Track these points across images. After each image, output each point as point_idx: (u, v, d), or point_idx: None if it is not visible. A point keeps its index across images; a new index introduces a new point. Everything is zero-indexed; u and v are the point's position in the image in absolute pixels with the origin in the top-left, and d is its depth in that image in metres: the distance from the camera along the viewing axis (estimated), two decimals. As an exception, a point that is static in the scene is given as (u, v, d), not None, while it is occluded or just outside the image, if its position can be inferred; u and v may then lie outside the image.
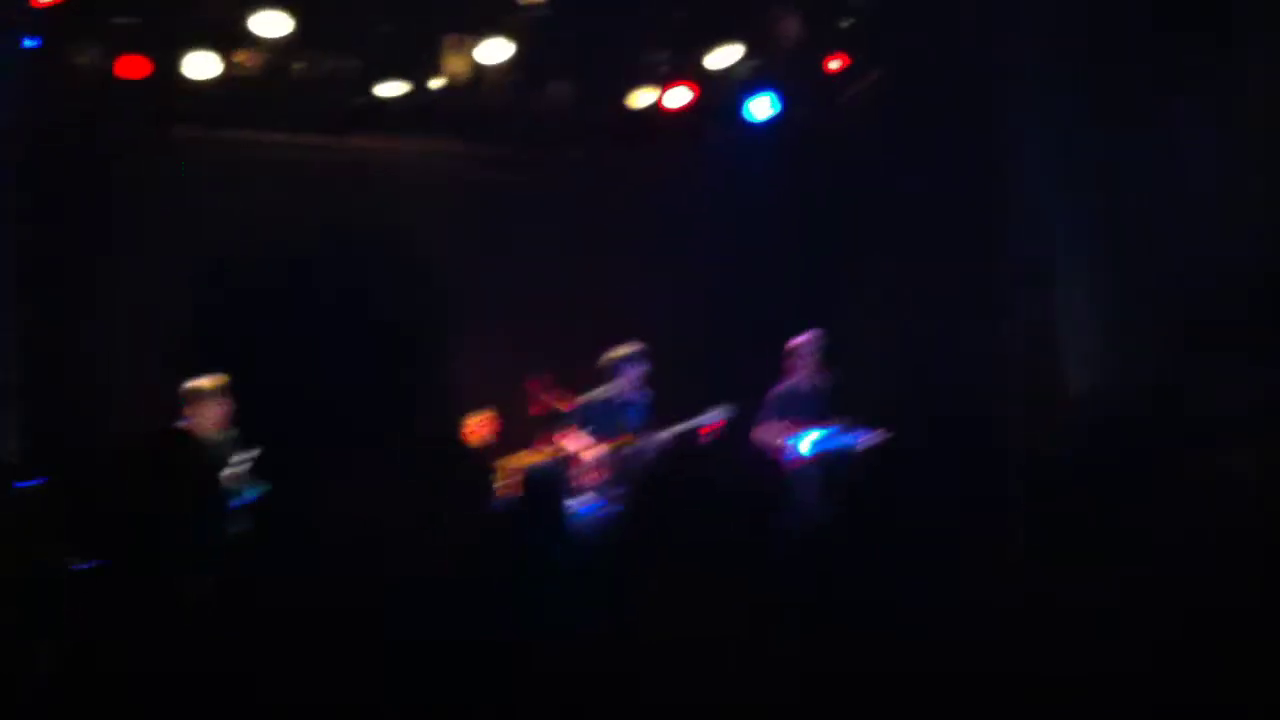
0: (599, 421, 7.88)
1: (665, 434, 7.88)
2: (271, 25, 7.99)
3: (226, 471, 6.84)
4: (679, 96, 9.19)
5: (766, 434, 7.99)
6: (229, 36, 8.12)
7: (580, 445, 7.86)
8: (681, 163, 9.78)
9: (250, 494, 6.48)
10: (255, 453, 6.64)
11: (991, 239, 7.63)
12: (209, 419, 6.77)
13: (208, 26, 8.09)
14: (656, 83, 9.17)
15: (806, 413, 7.95)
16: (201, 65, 8.16)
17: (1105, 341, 6.78)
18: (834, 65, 9.08)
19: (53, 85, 7.60)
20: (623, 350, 7.95)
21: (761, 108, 9.36)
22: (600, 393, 7.95)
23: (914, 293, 8.61)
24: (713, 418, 7.92)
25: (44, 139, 7.27)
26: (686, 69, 9.09)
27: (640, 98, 9.23)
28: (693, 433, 7.90)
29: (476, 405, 8.52)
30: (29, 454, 6.23)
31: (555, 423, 8.23)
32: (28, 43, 6.94)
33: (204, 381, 6.84)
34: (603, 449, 7.80)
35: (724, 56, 8.95)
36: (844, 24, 8.78)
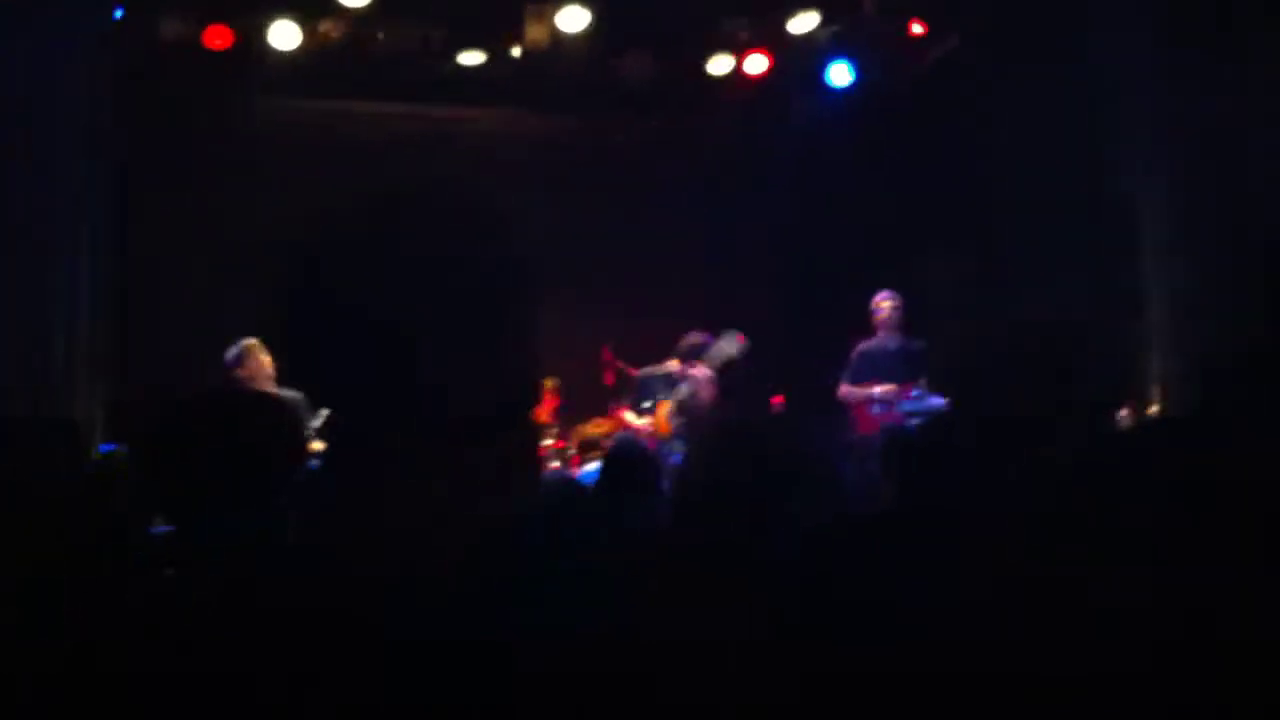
0: (656, 395, 7.94)
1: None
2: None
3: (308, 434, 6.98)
4: (757, 63, 9.14)
5: (851, 392, 7.91)
6: (313, 6, 8.23)
7: (634, 418, 7.97)
8: (762, 130, 9.74)
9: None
10: (325, 414, 6.75)
11: (1080, 205, 7.53)
12: (263, 377, 6.84)
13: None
14: (736, 50, 9.13)
15: (890, 372, 7.82)
16: (285, 35, 8.27)
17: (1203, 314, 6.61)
18: (916, 30, 8.97)
19: (140, 55, 7.74)
20: (724, 342, 8.04)
21: (841, 74, 9.27)
22: (663, 368, 8.01)
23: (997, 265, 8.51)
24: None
25: (131, 107, 7.40)
26: (766, 36, 9.03)
27: (718, 64, 9.19)
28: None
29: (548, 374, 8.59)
30: (109, 419, 6.39)
31: (625, 393, 8.31)
32: (115, 13, 7.07)
33: (247, 342, 6.90)
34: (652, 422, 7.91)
35: (803, 23, 8.88)
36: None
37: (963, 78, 8.82)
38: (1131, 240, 6.96)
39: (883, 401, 7.77)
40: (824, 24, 8.92)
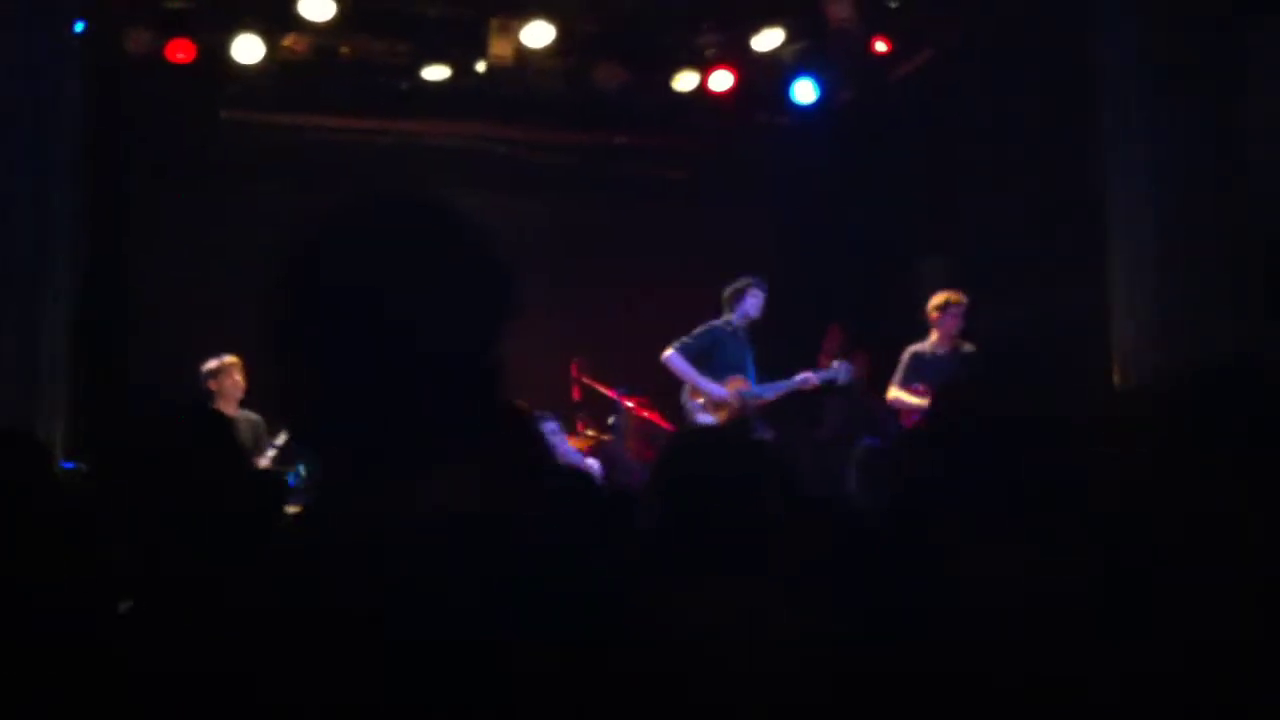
0: (722, 353, 7.78)
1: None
2: (318, 9, 8.03)
3: (266, 456, 6.96)
4: (722, 80, 9.17)
5: (900, 399, 7.62)
6: (277, 20, 8.20)
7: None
8: (728, 146, 9.78)
9: (289, 478, 6.60)
10: (284, 437, 6.77)
11: (1050, 214, 7.60)
12: (234, 397, 6.90)
13: (255, 10, 8.18)
14: (701, 66, 9.16)
15: (940, 377, 7.38)
16: (249, 49, 8.24)
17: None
18: (880, 47, 9.03)
19: (102, 68, 7.68)
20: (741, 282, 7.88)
21: (806, 91, 9.31)
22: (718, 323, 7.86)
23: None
24: (842, 372, 7.78)
25: (94, 121, 7.35)
26: (731, 52, 9.06)
27: (684, 80, 9.21)
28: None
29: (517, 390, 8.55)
30: (74, 437, 6.33)
31: (593, 407, 8.28)
32: (77, 26, 7.01)
33: (220, 361, 6.95)
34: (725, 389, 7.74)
35: (768, 39, 8.92)
36: (892, 4, 8.71)
37: (937, 91, 8.87)
38: (1102, 251, 6.99)
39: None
40: (789, 41, 8.96)
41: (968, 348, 7.59)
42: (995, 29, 8.13)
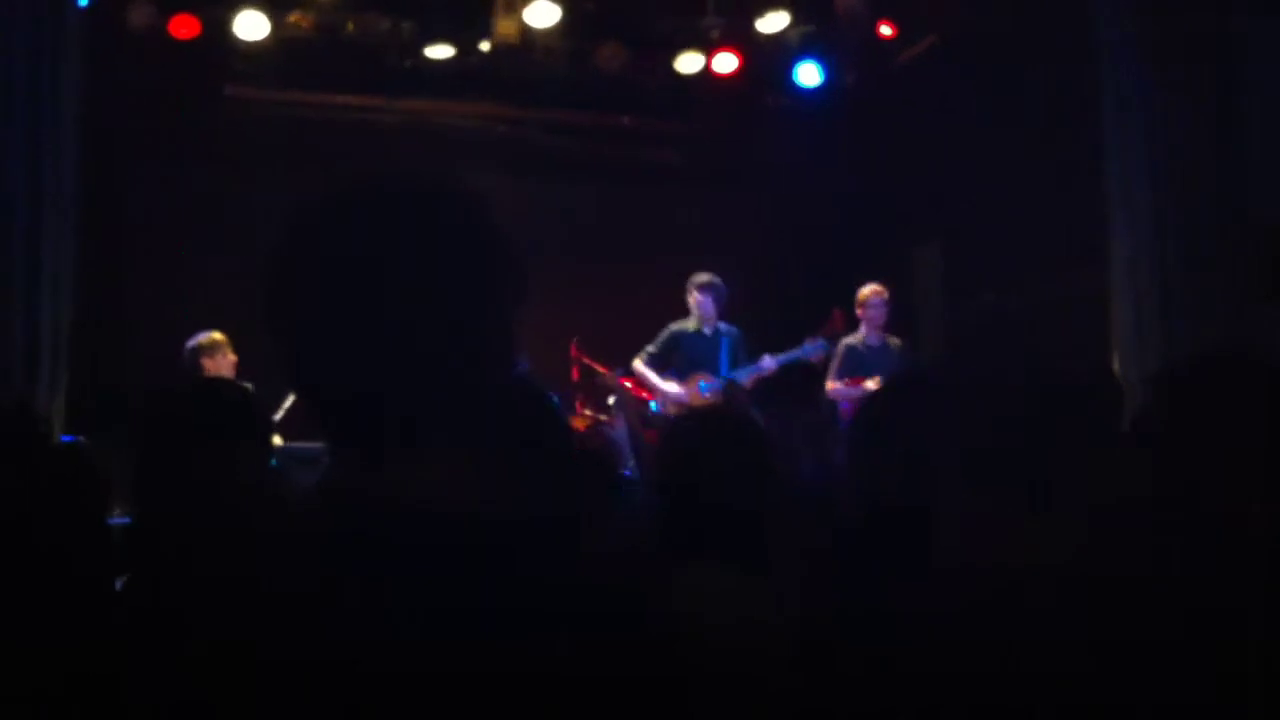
0: (685, 352, 7.88)
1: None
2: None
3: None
4: (727, 62, 9.15)
5: (838, 389, 7.85)
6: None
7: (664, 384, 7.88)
8: (732, 128, 9.76)
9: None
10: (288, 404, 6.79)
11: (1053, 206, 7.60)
12: (225, 373, 6.86)
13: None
14: (706, 48, 9.14)
15: (876, 369, 7.71)
16: (253, 25, 8.22)
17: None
18: (885, 32, 9.01)
19: (104, 44, 7.66)
20: (700, 278, 7.91)
21: (810, 75, 9.29)
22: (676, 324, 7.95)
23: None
24: (813, 350, 7.84)
25: (98, 97, 7.33)
26: (736, 34, 9.04)
27: (688, 62, 9.19)
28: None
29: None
30: (73, 410, 6.34)
31: (593, 388, 8.28)
32: (80, 2, 6.98)
33: (210, 336, 6.91)
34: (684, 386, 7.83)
35: (773, 22, 8.89)
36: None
37: (940, 76, 8.85)
38: (1103, 238, 6.98)
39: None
40: (794, 24, 8.94)
41: (895, 341, 7.94)
42: (998, 15, 8.11)
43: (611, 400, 8.21)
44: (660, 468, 2.38)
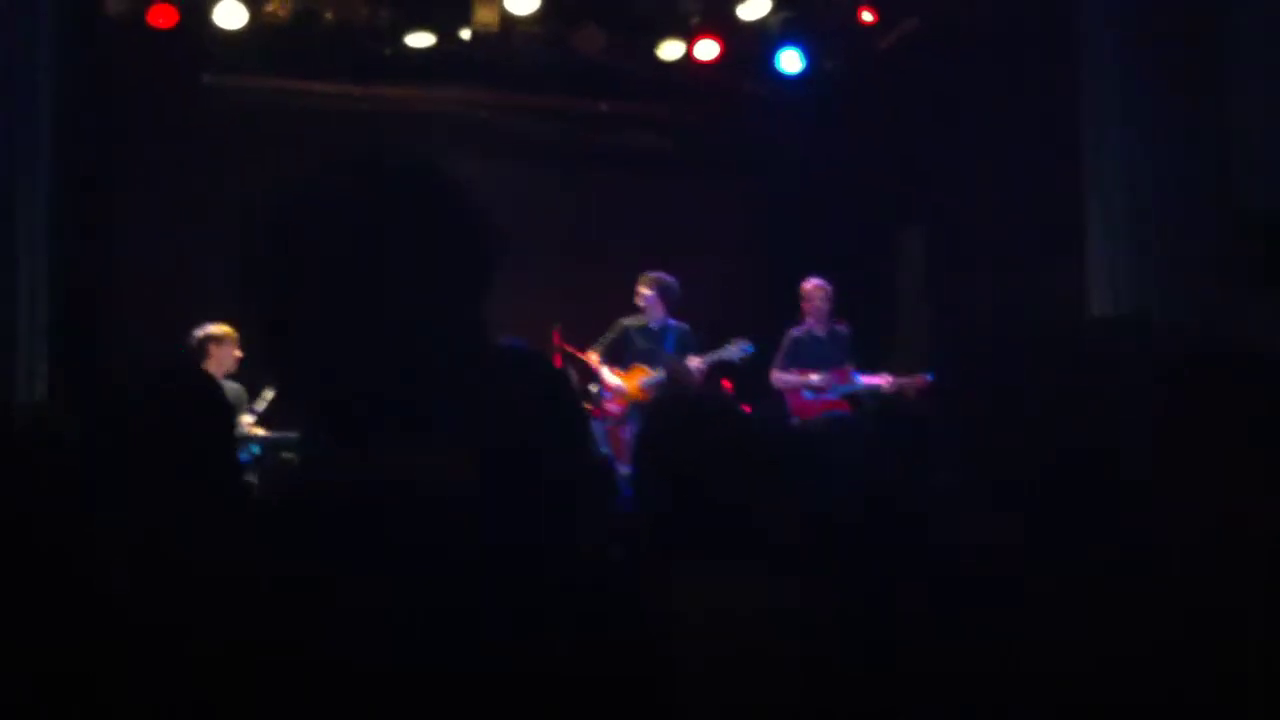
0: (630, 346, 8.04)
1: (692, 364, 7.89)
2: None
3: (244, 421, 6.96)
4: (708, 49, 9.14)
5: (783, 378, 8.03)
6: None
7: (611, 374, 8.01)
8: (713, 114, 9.76)
9: (254, 448, 6.66)
10: (268, 399, 6.79)
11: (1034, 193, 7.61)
12: (224, 367, 6.87)
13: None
14: (686, 35, 9.12)
15: (822, 359, 7.96)
16: (231, 14, 8.18)
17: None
18: (866, 17, 9.00)
19: (82, 33, 7.62)
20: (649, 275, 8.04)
21: (791, 61, 9.28)
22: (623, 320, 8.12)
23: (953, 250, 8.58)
24: (737, 351, 7.94)
25: (75, 86, 7.29)
26: (718, 20, 9.02)
27: (669, 49, 9.18)
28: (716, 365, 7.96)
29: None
30: (54, 397, 6.31)
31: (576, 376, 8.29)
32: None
33: (217, 328, 6.92)
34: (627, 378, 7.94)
35: (754, 8, 8.87)
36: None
37: (922, 61, 8.84)
38: (1080, 228, 6.98)
39: (817, 389, 7.88)
40: (775, 10, 8.93)
41: (841, 328, 8.08)
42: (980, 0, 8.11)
43: (594, 388, 8.22)
44: (641, 453, 2.37)
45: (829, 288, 8.08)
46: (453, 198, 1.26)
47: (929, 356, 7.70)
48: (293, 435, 6.63)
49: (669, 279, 8.02)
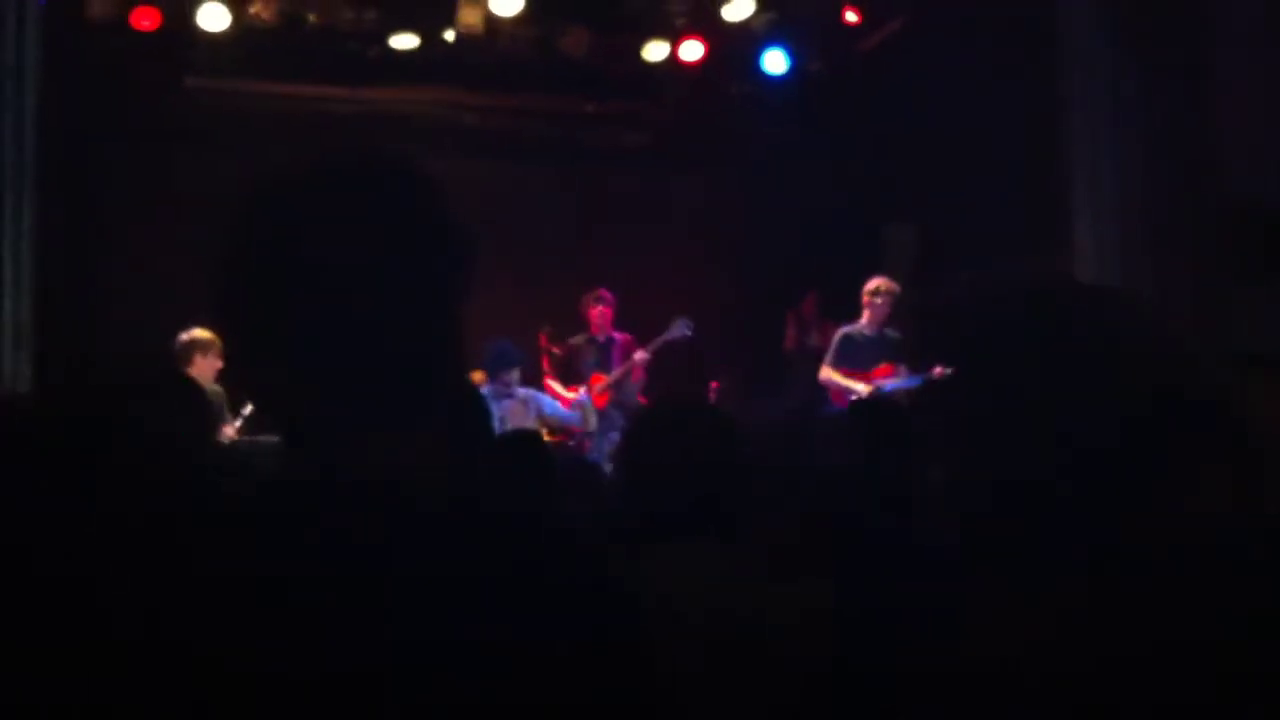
0: (582, 362, 8.27)
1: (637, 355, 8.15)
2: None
3: (232, 427, 6.94)
4: (693, 50, 9.14)
5: (832, 380, 7.86)
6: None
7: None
8: (698, 115, 9.77)
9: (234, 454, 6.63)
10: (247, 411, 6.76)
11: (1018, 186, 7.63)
12: (207, 372, 6.82)
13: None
14: (671, 35, 9.12)
15: (872, 360, 7.81)
16: (214, 17, 8.16)
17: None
18: (850, 18, 9.01)
19: (65, 35, 7.59)
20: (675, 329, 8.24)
21: (776, 62, 9.29)
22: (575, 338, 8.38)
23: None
24: (678, 330, 8.12)
25: (58, 88, 7.26)
26: (702, 21, 9.03)
27: (654, 50, 9.19)
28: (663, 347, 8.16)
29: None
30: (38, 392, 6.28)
31: (560, 376, 8.29)
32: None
33: (203, 333, 6.88)
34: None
35: (739, 9, 8.88)
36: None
37: (907, 61, 8.85)
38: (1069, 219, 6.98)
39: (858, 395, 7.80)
40: (759, 11, 8.93)
41: (892, 333, 7.88)
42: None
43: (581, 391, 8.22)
44: (623, 457, 2.37)
45: (896, 292, 7.85)
46: (421, 197, 1.25)
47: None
48: (275, 440, 6.60)
49: (608, 294, 8.34)
